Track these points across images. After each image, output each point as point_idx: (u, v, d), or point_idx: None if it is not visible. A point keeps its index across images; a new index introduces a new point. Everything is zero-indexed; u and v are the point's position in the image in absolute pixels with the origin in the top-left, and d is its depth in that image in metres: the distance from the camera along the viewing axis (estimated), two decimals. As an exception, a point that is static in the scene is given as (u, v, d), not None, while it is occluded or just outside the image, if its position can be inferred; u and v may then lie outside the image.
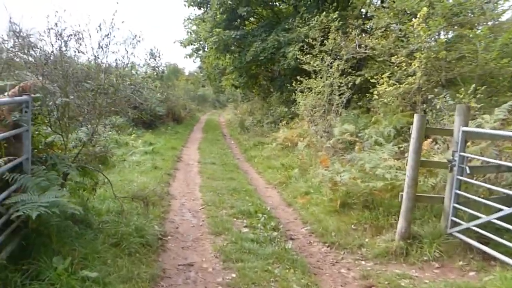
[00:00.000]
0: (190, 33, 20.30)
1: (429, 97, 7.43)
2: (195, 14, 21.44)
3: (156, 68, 23.24)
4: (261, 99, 21.74)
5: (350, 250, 4.96)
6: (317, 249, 5.11)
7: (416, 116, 4.70)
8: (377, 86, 9.41)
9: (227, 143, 15.66)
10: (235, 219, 5.85)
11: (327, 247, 5.14)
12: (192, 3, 19.19)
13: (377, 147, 7.09)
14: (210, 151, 12.63)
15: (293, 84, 12.46)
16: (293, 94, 13.04)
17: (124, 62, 4.60)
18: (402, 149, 6.55)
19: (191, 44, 20.01)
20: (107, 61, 4.37)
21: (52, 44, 4.15)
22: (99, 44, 4.45)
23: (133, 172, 7.91)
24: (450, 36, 9.22)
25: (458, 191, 4.65)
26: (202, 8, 19.64)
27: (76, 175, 4.20)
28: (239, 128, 19.03)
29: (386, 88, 8.63)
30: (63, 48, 4.07)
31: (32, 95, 3.93)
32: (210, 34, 16.94)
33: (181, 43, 20.07)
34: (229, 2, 16.47)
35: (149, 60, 23.04)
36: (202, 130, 20.44)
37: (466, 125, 4.61)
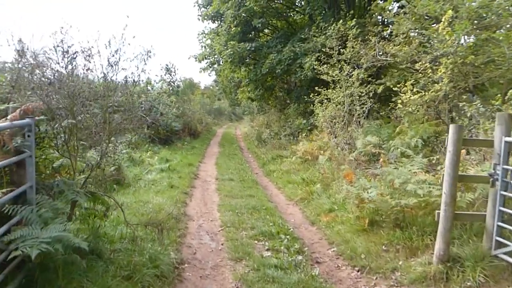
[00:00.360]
0: (205, 47, 20.20)
1: (460, 105, 6.95)
2: (210, 28, 21.40)
3: (172, 83, 23.31)
4: (278, 111, 21.43)
5: (383, 274, 4.54)
6: (347, 274, 4.70)
7: (452, 127, 4.28)
8: (400, 94, 9.00)
9: (244, 157, 15.33)
10: (256, 242, 5.47)
11: (357, 271, 4.73)
12: (206, 17, 19.13)
13: (404, 160, 6.64)
14: (227, 166, 12.30)
15: (311, 95, 12.12)
16: (311, 105, 12.69)
17: (134, 80, 4.30)
18: (433, 161, 6.09)
19: (206, 59, 19.88)
20: (116, 78, 4.09)
21: (58, 62, 3.90)
22: (108, 61, 4.19)
23: (149, 192, 7.62)
24: (475, 39, 8.77)
25: (502, 208, 4.19)
26: (216, 22, 19.57)
27: (85, 202, 3.90)
28: (256, 141, 18.71)
29: (410, 96, 8.20)
30: (69, 67, 3.80)
31: (37, 118, 3.69)
32: (225, 47, 16.78)
33: (195, 58, 19.97)
34: (243, 14, 16.29)
35: (165, 75, 23.24)
36: (219, 144, 20.17)
37: (509, 135, 4.17)
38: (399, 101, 8.60)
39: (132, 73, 4.16)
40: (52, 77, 3.79)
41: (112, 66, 4.02)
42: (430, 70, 7.90)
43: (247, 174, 10.89)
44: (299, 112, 17.08)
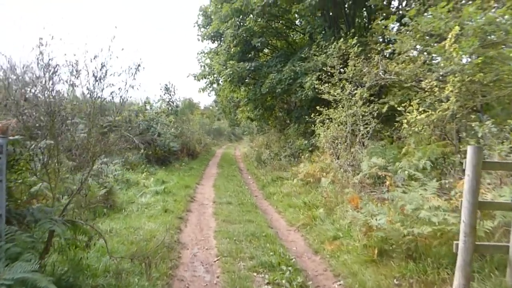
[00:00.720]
0: (204, 66, 19.99)
1: (471, 125, 6.59)
2: (209, 48, 21.26)
3: (171, 103, 23.03)
4: (278, 131, 21.10)
5: (396, 313, 4.08)
6: (356, 313, 4.24)
7: (470, 149, 3.89)
8: (404, 113, 8.68)
9: (243, 178, 14.88)
10: (255, 274, 5.00)
11: (368, 309, 4.27)
12: (205, 37, 18.98)
13: (414, 183, 6.24)
14: (226, 188, 11.85)
15: (312, 115, 11.79)
16: (312, 125, 12.34)
17: (122, 96, 3.91)
18: (446, 185, 5.68)
19: (205, 78, 19.65)
20: (102, 94, 3.70)
21: (37, 77, 3.53)
22: (94, 75, 3.82)
23: (141, 216, 7.17)
24: (482, 57, 8.52)
25: (528, 239, 3.77)
26: (216, 42, 19.42)
27: (63, 232, 3.47)
28: (256, 162, 18.28)
29: (417, 115, 7.85)
30: (49, 82, 3.43)
31: (10, 137, 3.30)
32: (224, 66, 16.56)
33: (194, 77, 19.74)
34: (243, 34, 16.11)
35: (164, 95, 22.98)
36: (218, 165, 19.74)
37: (533, 158, 3.78)
38: (405, 120, 8.26)
39: (119, 88, 3.76)
40: (29, 92, 3.41)
41: (98, 80, 3.64)
42: (437, 89, 7.58)
43: (246, 197, 10.44)
44: (299, 133, 16.75)
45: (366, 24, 14.90)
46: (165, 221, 6.87)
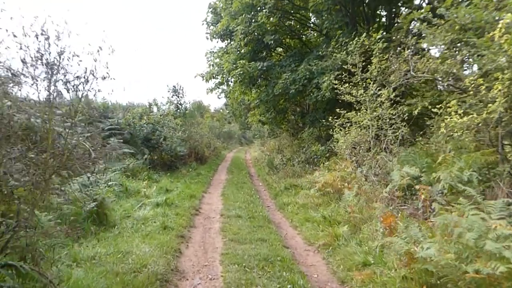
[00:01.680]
0: (213, 65, 18.98)
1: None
2: (219, 47, 20.28)
3: (179, 105, 22.10)
4: (290, 135, 20.03)
5: None
6: None
7: None
8: (437, 117, 7.61)
9: (254, 186, 13.80)
10: (269, 318, 3.95)
11: None
12: (214, 36, 18.00)
13: (462, 200, 5.13)
14: (235, 198, 10.78)
15: (330, 118, 10.71)
16: (330, 129, 11.25)
17: (78, 92, 2.87)
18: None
19: (214, 78, 18.64)
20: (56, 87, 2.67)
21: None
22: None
23: (135, 235, 6.14)
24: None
25: None
26: (225, 41, 18.44)
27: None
28: (267, 167, 17.19)
29: (458, 119, 6.73)
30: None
31: None
32: (234, 66, 15.53)
33: (202, 77, 18.74)
34: (255, 32, 15.08)
35: (172, 97, 22.06)
36: (227, 170, 18.70)
37: None
38: (443, 124, 7.15)
39: (78, 77, 2.73)
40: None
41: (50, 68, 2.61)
42: (483, 87, 6.46)
43: (258, 208, 9.35)
44: (314, 137, 15.67)
45: (388, 20, 13.78)
46: (163, 242, 5.81)
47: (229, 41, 18.05)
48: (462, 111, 7.05)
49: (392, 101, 9.05)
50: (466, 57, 7.66)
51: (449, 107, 7.15)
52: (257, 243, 6.44)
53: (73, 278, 4.08)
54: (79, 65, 2.65)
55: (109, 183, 8.14)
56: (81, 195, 5.76)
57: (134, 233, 6.27)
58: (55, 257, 4.67)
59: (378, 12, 14.37)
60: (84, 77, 2.71)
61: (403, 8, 12.57)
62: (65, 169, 2.91)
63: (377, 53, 9.31)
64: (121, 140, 12.78)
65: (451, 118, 6.91)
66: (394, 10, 13.15)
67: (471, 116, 6.72)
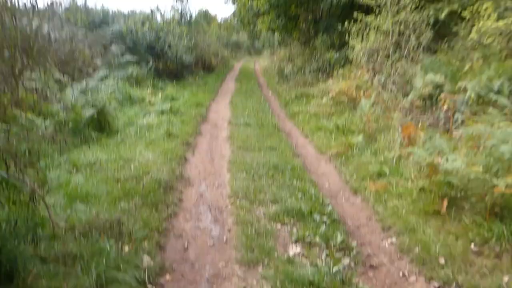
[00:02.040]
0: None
1: None
2: None
3: (184, 13, 20.80)
4: (301, 44, 19.00)
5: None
6: (422, 293, 2.96)
7: None
8: (466, 22, 6.87)
9: (264, 95, 13.32)
10: (279, 226, 3.74)
11: (437, 288, 2.97)
12: None
13: (491, 110, 4.66)
14: (244, 106, 10.36)
15: (346, 24, 9.84)
16: (345, 36, 10.41)
17: None
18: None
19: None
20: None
21: None
22: None
23: (139, 142, 5.87)
24: None
25: None
26: None
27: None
28: (277, 76, 16.55)
29: (492, 24, 6.02)
30: None
31: None
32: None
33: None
34: None
35: (176, 2, 20.68)
36: (236, 79, 18.12)
37: None
38: (474, 29, 6.44)
39: None
40: None
41: None
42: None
43: (267, 116, 8.98)
44: (327, 45, 14.75)
45: None
46: (167, 149, 5.54)
47: None
48: (496, 15, 6.33)
49: (417, 5, 8.18)
50: None
51: (480, 11, 6.42)
52: (266, 151, 6.17)
53: (72, 183, 3.86)
54: None
55: (111, 90, 7.73)
56: (79, 100, 5.38)
57: (137, 140, 6.00)
58: (53, 163, 4.45)
59: None
60: None
61: None
62: (37, 64, 2.47)
63: None
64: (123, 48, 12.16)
65: (484, 22, 6.20)
66: None
67: (506, 20, 6.01)
